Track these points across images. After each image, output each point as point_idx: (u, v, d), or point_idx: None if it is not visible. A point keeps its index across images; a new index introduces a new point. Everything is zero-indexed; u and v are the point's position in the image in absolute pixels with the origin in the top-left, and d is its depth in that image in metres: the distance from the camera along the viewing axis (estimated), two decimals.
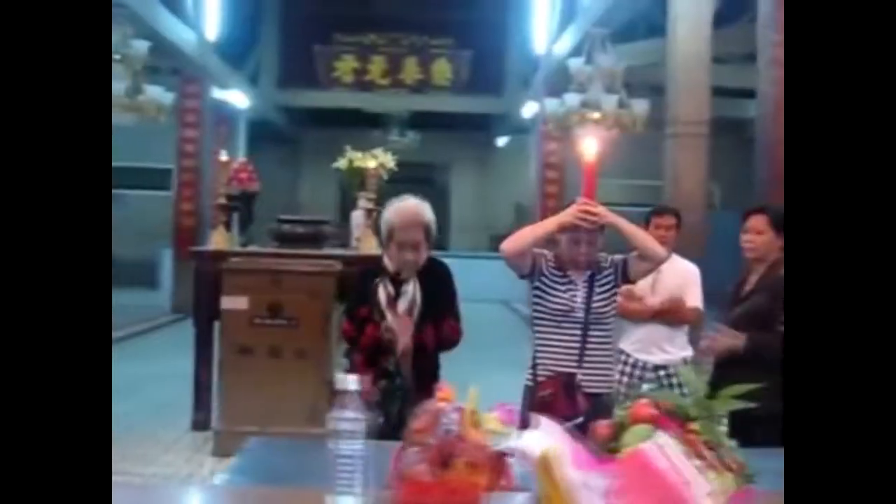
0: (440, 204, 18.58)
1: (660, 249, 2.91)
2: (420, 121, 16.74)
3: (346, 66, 15.30)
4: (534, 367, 2.97)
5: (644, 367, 3.83)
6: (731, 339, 2.98)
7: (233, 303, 4.69)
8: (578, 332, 2.90)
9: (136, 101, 8.05)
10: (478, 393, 1.75)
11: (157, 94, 8.22)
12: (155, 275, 11.89)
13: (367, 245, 5.08)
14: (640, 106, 8.62)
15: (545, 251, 3.01)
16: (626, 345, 3.92)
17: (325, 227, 5.49)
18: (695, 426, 1.68)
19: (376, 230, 5.04)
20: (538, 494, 1.34)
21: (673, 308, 3.81)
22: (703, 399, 1.68)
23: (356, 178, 5.46)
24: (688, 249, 5.83)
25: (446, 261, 3.22)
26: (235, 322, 4.65)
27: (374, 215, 5.32)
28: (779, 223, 3.08)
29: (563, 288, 2.93)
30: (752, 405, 1.51)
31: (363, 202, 5.37)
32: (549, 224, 2.89)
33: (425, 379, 2.94)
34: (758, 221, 3.09)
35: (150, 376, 6.49)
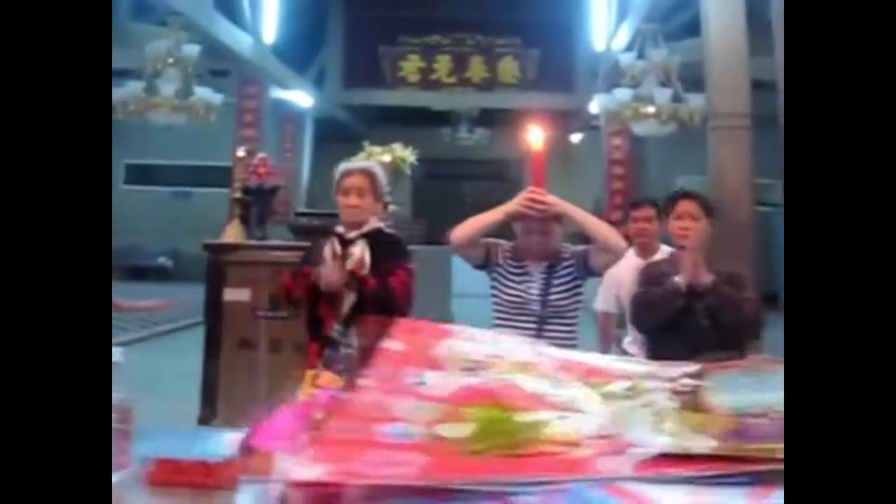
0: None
1: (619, 240, 2.72)
2: (490, 118, 16.61)
3: (411, 65, 15.33)
4: None
5: None
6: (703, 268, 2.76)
7: (235, 295, 4.69)
8: (533, 324, 2.75)
9: (187, 102, 8.26)
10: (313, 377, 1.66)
11: (206, 94, 8.42)
12: None
13: None
14: (697, 100, 8.30)
15: (502, 241, 2.89)
16: (628, 345, 3.72)
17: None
18: None
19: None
20: None
21: None
22: None
23: None
24: (734, 249, 5.51)
25: None
26: (237, 314, 4.64)
27: (387, 209, 5.30)
28: (709, 209, 2.85)
29: (517, 279, 2.80)
30: None
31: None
32: (497, 213, 2.76)
33: (373, 347, 2.81)
34: (691, 206, 2.86)
35: (177, 370, 6.59)
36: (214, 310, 5.06)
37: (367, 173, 3.07)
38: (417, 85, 15.37)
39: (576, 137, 17.23)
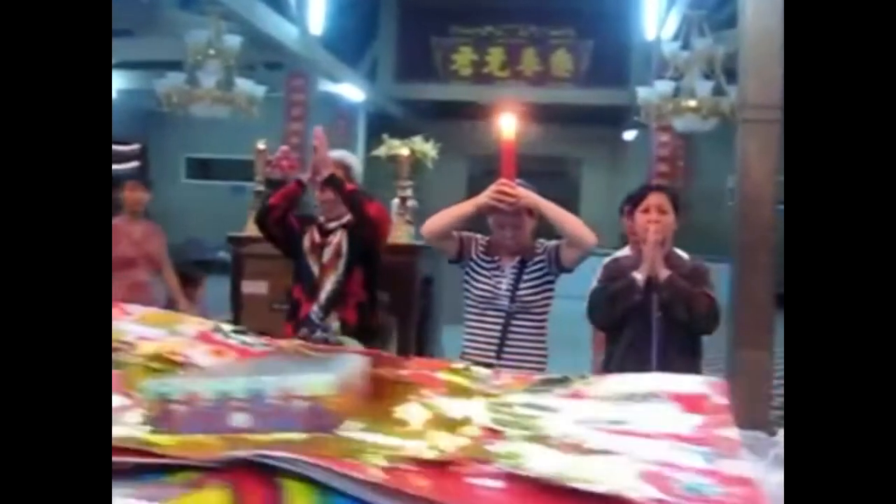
0: (569, 200, 18.00)
1: (588, 235, 2.67)
2: (543, 114, 16.38)
3: (463, 58, 15.25)
4: (461, 356, 2.84)
5: None
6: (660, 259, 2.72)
7: (253, 287, 4.76)
8: (501, 320, 2.74)
9: (229, 94, 8.39)
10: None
11: (248, 87, 8.53)
12: None
13: (397, 233, 4.99)
14: None
15: (477, 235, 2.89)
16: None
17: None
18: None
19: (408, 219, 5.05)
20: None
21: None
22: None
23: (393, 166, 5.42)
24: (756, 249, 5.29)
25: None
26: (255, 307, 4.71)
27: (406, 204, 5.29)
28: (677, 204, 2.79)
29: (488, 273, 2.79)
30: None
31: (399, 191, 5.31)
32: (467, 206, 2.75)
33: (363, 334, 2.92)
34: (660, 200, 2.79)
35: None
36: (237, 302, 5.16)
37: (341, 165, 3.13)
38: (469, 79, 15.29)
39: (629, 135, 16.87)
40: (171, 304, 5.52)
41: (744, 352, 4.69)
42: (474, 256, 2.83)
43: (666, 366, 2.66)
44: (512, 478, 0.85)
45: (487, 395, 1.21)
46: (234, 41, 8.36)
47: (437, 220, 2.80)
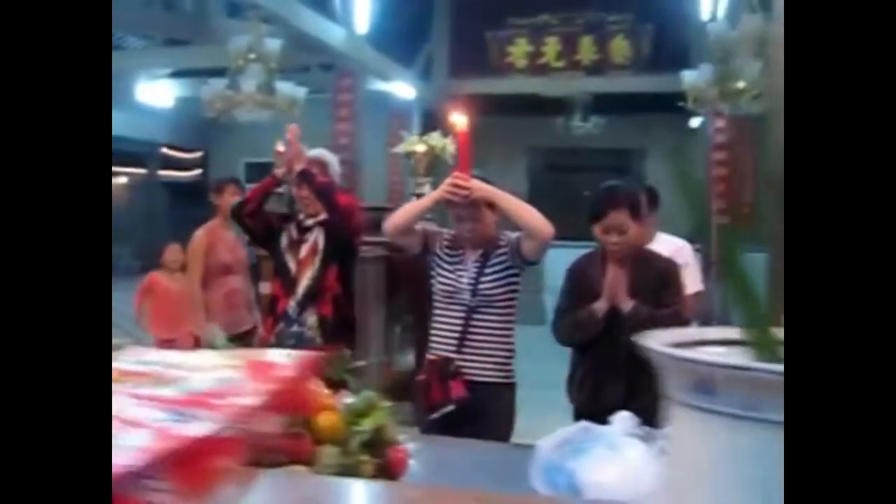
0: None
1: (545, 226, 2.60)
2: (605, 104, 15.99)
3: (519, 50, 15.00)
4: (427, 350, 2.86)
5: None
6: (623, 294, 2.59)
7: (269, 288, 4.82)
8: (462, 314, 2.71)
9: (270, 98, 8.48)
10: None
11: (289, 89, 8.60)
12: None
13: None
14: None
15: (443, 230, 2.91)
16: None
17: (385, 214, 5.46)
18: None
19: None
20: None
21: None
22: None
23: (411, 162, 5.42)
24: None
25: None
26: None
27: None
28: (637, 211, 2.61)
29: (451, 267, 2.78)
30: None
31: (416, 188, 5.27)
32: (426, 200, 2.81)
33: (339, 327, 2.95)
34: (621, 218, 2.61)
35: None
36: (258, 302, 5.23)
37: (318, 163, 3.20)
38: (526, 71, 15.05)
39: (696, 122, 16.26)
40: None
41: None
42: (438, 251, 2.83)
43: (634, 385, 2.52)
44: None
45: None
46: (274, 45, 8.43)
47: (397, 217, 2.86)
